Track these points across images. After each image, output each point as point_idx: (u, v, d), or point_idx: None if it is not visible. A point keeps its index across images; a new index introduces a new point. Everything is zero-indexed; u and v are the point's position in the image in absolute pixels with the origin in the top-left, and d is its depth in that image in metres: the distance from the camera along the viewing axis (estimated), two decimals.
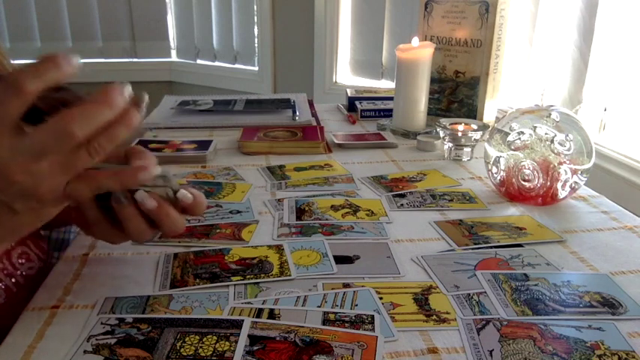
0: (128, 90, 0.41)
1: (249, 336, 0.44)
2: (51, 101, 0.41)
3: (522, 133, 0.71)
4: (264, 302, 0.50)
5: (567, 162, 0.69)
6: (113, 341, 0.44)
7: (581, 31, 1.30)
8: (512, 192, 0.74)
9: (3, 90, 0.38)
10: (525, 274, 0.55)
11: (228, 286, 0.53)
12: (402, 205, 0.73)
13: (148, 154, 0.49)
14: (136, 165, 0.46)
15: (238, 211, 0.70)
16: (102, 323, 0.46)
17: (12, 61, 0.65)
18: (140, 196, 0.47)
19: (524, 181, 0.72)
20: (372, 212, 0.70)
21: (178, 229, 0.49)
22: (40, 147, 0.39)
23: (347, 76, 2.18)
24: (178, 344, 0.43)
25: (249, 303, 0.50)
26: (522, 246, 0.62)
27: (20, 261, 0.58)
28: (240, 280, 0.53)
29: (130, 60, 2.65)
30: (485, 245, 0.61)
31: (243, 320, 0.46)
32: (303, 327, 0.46)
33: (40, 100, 0.40)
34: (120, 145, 0.44)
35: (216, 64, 2.52)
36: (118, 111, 0.41)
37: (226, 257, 0.58)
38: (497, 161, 0.74)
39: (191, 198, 0.49)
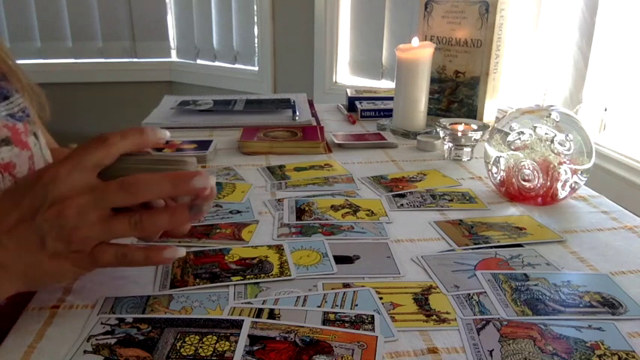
0: (212, 180, 0.45)
1: (249, 336, 0.44)
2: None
3: (522, 133, 0.71)
4: (264, 302, 0.50)
5: (567, 162, 0.69)
6: (113, 341, 0.44)
7: (582, 31, 1.30)
8: (512, 192, 0.74)
9: (93, 140, 0.44)
10: (525, 274, 0.55)
11: (228, 286, 0.53)
12: (402, 205, 0.73)
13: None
14: (165, 247, 0.47)
15: (238, 211, 0.70)
16: (102, 323, 0.46)
17: (17, 62, 0.65)
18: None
19: (524, 181, 0.72)
20: (372, 212, 0.70)
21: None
22: (104, 192, 0.42)
23: (347, 76, 2.18)
24: (178, 344, 0.43)
25: (249, 303, 0.50)
26: (522, 246, 0.62)
27: None
28: (240, 280, 0.53)
29: (130, 60, 2.65)
30: (485, 245, 0.61)
31: (243, 320, 0.46)
32: (303, 327, 0.46)
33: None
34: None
35: (216, 64, 2.52)
36: (191, 196, 0.45)
37: (226, 257, 0.58)
38: (497, 161, 0.74)
39: (209, 182, 0.50)
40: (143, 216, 0.44)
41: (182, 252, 0.48)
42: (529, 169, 0.71)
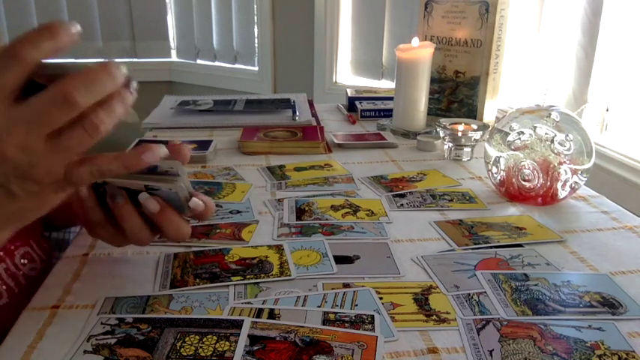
0: (124, 68, 0.40)
1: (249, 336, 0.44)
2: (51, 77, 0.38)
3: (522, 133, 0.71)
4: (264, 302, 0.50)
5: (567, 162, 0.69)
6: (113, 341, 0.44)
7: (585, 31, 1.30)
8: (512, 192, 0.74)
9: (1, 59, 0.36)
10: (525, 274, 0.55)
11: (228, 286, 0.53)
12: (402, 205, 0.73)
13: (182, 146, 0.48)
14: (139, 147, 0.43)
15: (238, 211, 0.70)
16: (102, 323, 0.46)
17: None
18: (143, 197, 0.47)
19: (524, 181, 0.72)
20: (372, 212, 0.70)
21: (183, 234, 0.49)
22: (37, 116, 0.36)
23: (347, 76, 2.18)
24: (178, 344, 0.43)
25: (249, 303, 0.50)
26: (522, 246, 0.62)
27: (23, 261, 0.58)
28: (240, 280, 0.53)
29: (130, 60, 2.65)
30: (485, 245, 0.61)
31: (243, 320, 0.46)
32: (303, 327, 0.46)
33: (40, 76, 0.38)
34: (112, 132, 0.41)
35: (216, 64, 2.52)
36: (117, 84, 0.39)
37: (226, 257, 0.58)
38: (497, 161, 0.74)
39: (202, 206, 0.49)
40: (98, 112, 0.38)
41: (164, 150, 0.43)
42: (529, 169, 0.71)
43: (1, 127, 0.36)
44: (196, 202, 0.48)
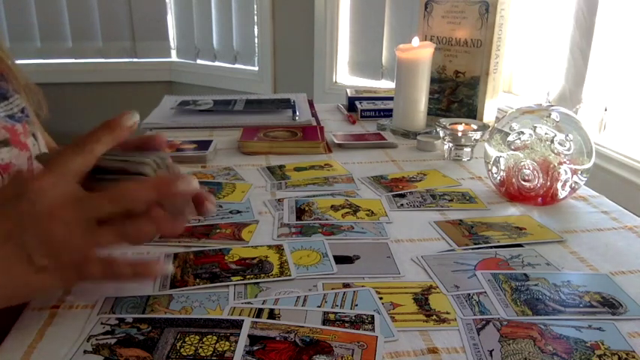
0: (190, 184, 0.45)
1: (249, 336, 0.44)
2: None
3: (522, 133, 0.71)
4: (264, 302, 0.50)
5: (567, 162, 0.69)
6: (113, 341, 0.44)
7: (582, 31, 1.30)
8: (512, 192, 0.74)
9: (71, 148, 0.44)
10: (525, 274, 0.55)
11: (228, 286, 0.53)
12: (402, 205, 0.73)
13: (154, 137, 0.52)
14: (152, 261, 0.47)
15: (238, 211, 0.70)
16: (102, 323, 0.46)
17: (16, 61, 0.65)
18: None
19: (524, 181, 0.72)
20: (372, 212, 0.70)
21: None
22: (89, 205, 0.42)
23: (347, 76, 2.18)
24: (178, 344, 0.43)
25: (249, 303, 0.50)
26: (522, 246, 0.62)
27: None
28: (240, 280, 0.53)
29: (130, 60, 2.65)
30: (485, 245, 0.61)
31: (243, 320, 0.46)
32: (303, 327, 0.46)
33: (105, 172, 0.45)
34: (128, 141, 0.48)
35: (216, 64, 2.52)
36: (185, 198, 0.46)
37: (226, 257, 0.58)
38: (497, 161, 0.74)
39: (196, 184, 0.50)
40: (130, 227, 0.44)
41: (170, 268, 0.50)
42: (529, 169, 0.71)
43: (62, 201, 0.41)
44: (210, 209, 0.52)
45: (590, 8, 1.27)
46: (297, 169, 0.85)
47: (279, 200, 0.73)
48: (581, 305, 0.50)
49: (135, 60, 2.65)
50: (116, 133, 0.45)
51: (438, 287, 0.53)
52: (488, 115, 1.05)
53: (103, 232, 0.43)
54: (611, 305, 0.50)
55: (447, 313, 0.49)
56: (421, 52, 0.99)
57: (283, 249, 0.60)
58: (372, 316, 0.47)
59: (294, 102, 1.21)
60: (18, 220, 0.41)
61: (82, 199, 0.42)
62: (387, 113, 1.14)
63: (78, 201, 0.42)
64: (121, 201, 0.42)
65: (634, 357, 0.43)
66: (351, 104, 1.23)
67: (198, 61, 2.58)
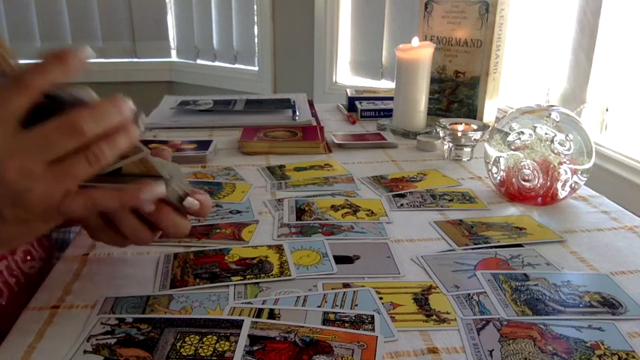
0: (131, 103, 0.41)
1: (249, 336, 0.44)
2: (62, 102, 0.40)
3: (522, 133, 0.71)
4: (264, 302, 0.50)
5: (567, 162, 0.69)
6: (113, 341, 0.44)
7: (585, 31, 1.30)
8: (512, 192, 0.74)
9: (6, 86, 0.37)
10: (525, 274, 0.55)
11: (228, 286, 0.53)
12: (402, 205, 0.73)
13: (161, 150, 0.49)
14: (138, 184, 0.43)
15: (238, 211, 0.70)
16: (102, 323, 0.46)
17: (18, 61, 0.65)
18: None
19: (524, 181, 0.72)
20: (372, 212, 0.70)
21: (181, 231, 0.49)
22: (41, 142, 0.37)
23: (347, 76, 2.18)
24: (178, 344, 0.43)
25: (249, 303, 0.50)
26: (522, 246, 0.62)
27: (23, 259, 0.58)
28: (240, 280, 0.53)
29: (130, 60, 2.65)
30: (485, 245, 0.61)
31: (243, 320, 0.46)
32: (303, 327, 0.46)
33: (51, 100, 0.39)
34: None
35: (216, 64, 2.52)
36: (124, 117, 0.40)
37: (226, 257, 0.58)
38: (497, 161, 0.74)
39: (197, 205, 0.48)
40: (101, 144, 0.38)
41: (161, 189, 0.43)
42: (529, 169, 0.71)
43: (4, 151, 0.37)
44: (190, 202, 0.48)
45: (594, 9, 1.27)
46: (297, 169, 0.85)
47: (279, 200, 0.73)
48: (581, 305, 0.50)
49: (135, 60, 2.65)
50: (66, 65, 0.39)
51: (438, 287, 0.53)
52: (488, 115, 1.05)
53: (69, 165, 0.38)
54: (611, 305, 0.50)
55: (447, 313, 0.49)
56: (421, 52, 0.99)
57: (283, 249, 0.60)
58: (372, 316, 0.47)
59: (294, 102, 1.21)
60: None
61: (31, 141, 0.37)
62: (387, 113, 1.14)
63: (27, 144, 0.37)
64: (77, 126, 0.37)
65: (634, 357, 0.43)
66: (351, 104, 1.23)
67: (198, 61, 2.58)
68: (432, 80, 1.04)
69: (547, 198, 0.72)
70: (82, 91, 0.41)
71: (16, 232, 0.41)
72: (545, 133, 0.70)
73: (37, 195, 0.38)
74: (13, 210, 0.39)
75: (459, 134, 0.89)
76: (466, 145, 0.90)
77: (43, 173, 0.37)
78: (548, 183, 0.70)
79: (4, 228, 0.40)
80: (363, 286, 0.52)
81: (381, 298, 0.50)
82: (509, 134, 0.72)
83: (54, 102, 0.39)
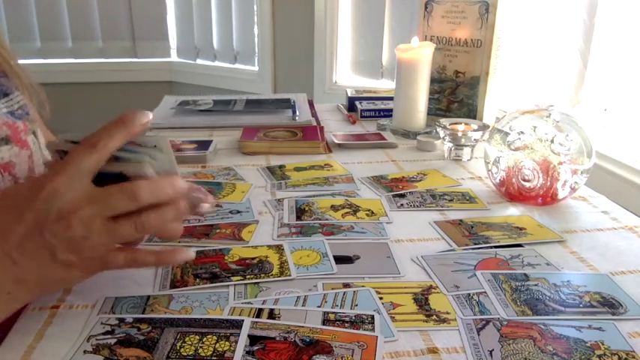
0: (184, 184, 0.46)
1: (249, 336, 0.44)
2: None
3: (522, 133, 0.71)
4: (264, 302, 0.50)
5: (567, 162, 0.69)
6: (113, 341, 0.44)
7: (581, 32, 1.30)
8: (512, 192, 0.74)
9: (83, 146, 0.44)
10: (525, 274, 0.55)
11: (228, 286, 0.53)
12: (402, 205, 0.73)
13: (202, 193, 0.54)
14: (176, 249, 0.49)
15: (238, 211, 0.70)
16: (102, 323, 0.46)
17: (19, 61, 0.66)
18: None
19: (524, 181, 0.72)
20: (372, 212, 0.70)
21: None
22: (106, 200, 0.43)
23: (347, 76, 2.18)
24: (178, 344, 0.43)
25: (249, 303, 0.50)
26: (522, 246, 0.62)
27: None
28: (240, 280, 0.53)
29: (130, 60, 2.65)
30: (485, 245, 0.61)
31: (243, 320, 0.46)
32: (303, 327, 0.46)
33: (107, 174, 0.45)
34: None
35: (216, 64, 2.52)
36: (176, 193, 0.45)
37: (226, 257, 0.58)
38: (497, 161, 0.74)
39: (209, 208, 0.54)
40: (148, 217, 0.44)
41: (192, 254, 0.49)
42: (529, 169, 0.71)
43: (77, 202, 0.42)
44: (206, 208, 0.53)
45: (590, 10, 1.27)
46: (297, 169, 0.85)
47: (279, 200, 0.73)
48: (581, 305, 0.50)
49: (135, 60, 2.65)
50: (129, 129, 0.45)
51: (438, 287, 0.53)
52: (488, 115, 1.05)
53: (121, 225, 0.44)
54: (611, 305, 0.50)
55: (447, 313, 0.49)
56: (421, 52, 0.99)
57: (283, 249, 0.60)
58: (372, 316, 0.47)
59: (294, 102, 1.21)
60: (35, 222, 0.42)
61: (97, 196, 0.43)
62: (387, 113, 1.14)
63: (93, 197, 0.43)
64: (135, 194, 0.43)
65: (634, 357, 0.43)
66: (351, 104, 1.23)
67: (198, 61, 2.58)
68: (432, 80, 1.04)
69: (547, 198, 0.72)
70: (144, 166, 0.46)
71: (60, 275, 0.45)
72: (545, 133, 0.70)
73: (89, 244, 0.43)
74: (66, 254, 0.43)
75: (459, 134, 0.89)
76: (466, 145, 0.90)
77: (100, 226, 0.43)
78: (548, 183, 0.70)
79: (52, 269, 0.44)
80: (363, 286, 0.52)
81: (381, 298, 0.50)
82: (509, 134, 0.72)
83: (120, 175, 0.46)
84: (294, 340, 0.44)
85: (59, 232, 0.42)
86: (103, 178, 0.45)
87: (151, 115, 0.47)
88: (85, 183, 0.43)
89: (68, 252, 0.43)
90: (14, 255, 0.43)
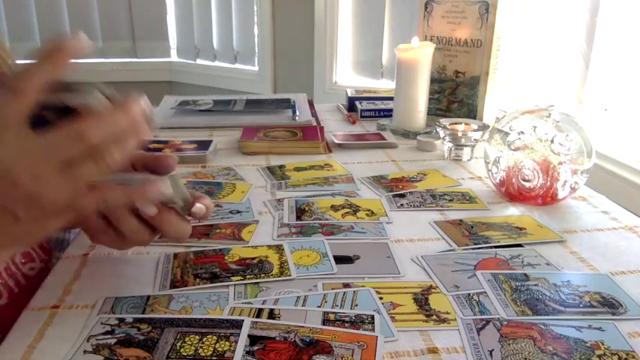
0: (144, 101, 0.41)
1: (249, 336, 0.44)
2: (61, 112, 0.40)
3: (522, 133, 0.71)
4: (264, 302, 0.50)
5: (567, 162, 0.69)
6: (113, 341, 0.44)
7: (583, 32, 1.30)
8: (512, 192, 0.74)
9: (2, 93, 0.38)
10: (525, 274, 0.55)
11: (228, 286, 0.53)
12: (402, 205, 0.73)
13: (166, 157, 0.50)
14: (146, 181, 0.45)
15: (238, 211, 0.70)
16: (102, 323, 0.46)
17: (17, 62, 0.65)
18: (142, 205, 0.48)
19: (524, 181, 0.72)
20: (372, 212, 0.70)
21: (183, 234, 0.50)
22: (51, 148, 0.38)
23: (347, 76, 2.18)
24: (178, 344, 0.43)
25: (249, 303, 0.50)
26: (522, 246, 0.62)
27: (23, 261, 0.58)
28: (240, 280, 0.53)
29: (130, 60, 2.65)
30: (485, 245, 0.61)
31: (243, 320, 0.46)
32: (303, 327, 0.46)
33: (49, 110, 0.40)
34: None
35: (216, 64, 2.52)
36: (133, 120, 0.40)
37: (226, 257, 0.58)
38: (497, 161, 0.74)
39: (204, 209, 0.50)
40: (110, 147, 0.39)
41: (167, 187, 0.45)
42: (529, 169, 0.71)
43: (13, 157, 0.38)
44: (199, 208, 0.50)
45: (592, 10, 1.27)
46: (297, 169, 0.85)
47: (279, 200, 0.73)
48: (581, 305, 0.50)
49: (135, 60, 2.65)
50: (55, 58, 0.39)
51: (438, 287, 0.53)
52: (488, 115, 1.05)
53: (79, 167, 0.39)
54: (611, 305, 0.50)
55: (447, 313, 0.49)
56: (421, 52, 0.99)
57: (283, 249, 0.60)
58: (372, 316, 0.47)
59: (294, 102, 1.21)
60: None
61: (38, 147, 0.38)
62: (387, 113, 1.14)
63: (33, 149, 0.38)
64: (84, 135, 0.38)
65: (634, 357, 0.43)
66: (351, 104, 1.23)
67: (198, 61, 2.58)
68: (432, 80, 1.04)
69: (547, 198, 0.72)
70: (89, 95, 0.42)
71: (31, 230, 0.42)
72: (545, 133, 0.70)
73: (48, 196, 0.39)
74: (28, 211, 0.40)
75: (459, 134, 0.89)
76: (466, 145, 0.90)
77: (53, 176, 0.38)
78: (548, 183, 0.70)
79: (19, 227, 0.41)
80: (363, 286, 0.52)
81: (381, 298, 0.50)
82: (509, 134, 0.72)
83: (63, 110, 0.40)
84: (294, 340, 0.44)
85: (8, 192, 0.38)
86: (48, 119, 0.40)
87: (82, 37, 0.41)
88: (18, 132, 0.38)
89: (29, 209, 0.39)
90: None
